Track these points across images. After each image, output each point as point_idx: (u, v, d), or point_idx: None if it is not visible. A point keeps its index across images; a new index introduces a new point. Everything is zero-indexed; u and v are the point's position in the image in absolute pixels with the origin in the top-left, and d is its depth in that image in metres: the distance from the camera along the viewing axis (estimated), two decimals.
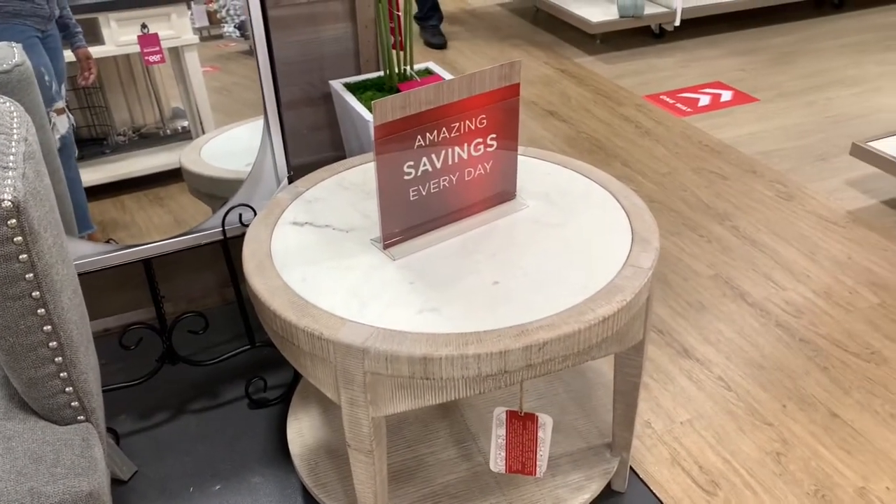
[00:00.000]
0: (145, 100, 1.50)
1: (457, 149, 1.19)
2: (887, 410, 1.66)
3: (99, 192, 1.51)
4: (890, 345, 1.84)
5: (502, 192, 1.29)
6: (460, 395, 1.04)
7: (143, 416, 1.68)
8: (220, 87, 1.54)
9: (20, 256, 0.96)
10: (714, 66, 3.51)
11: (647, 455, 1.57)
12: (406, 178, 1.16)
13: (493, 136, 1.22)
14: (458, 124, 1.17)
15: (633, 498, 1.48)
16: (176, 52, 1.47)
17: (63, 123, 1.41)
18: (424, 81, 1.73)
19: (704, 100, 3.17)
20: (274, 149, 1.56)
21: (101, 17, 1.39)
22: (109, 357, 1.82)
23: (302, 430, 1.49)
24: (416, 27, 3.94)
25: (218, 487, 1.52)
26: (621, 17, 3.66)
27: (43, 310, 1.01)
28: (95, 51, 1.41)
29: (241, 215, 1.57)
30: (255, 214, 1.53)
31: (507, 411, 1.27)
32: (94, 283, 1.80)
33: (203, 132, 1.56)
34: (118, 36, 1.41)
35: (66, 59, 1.39)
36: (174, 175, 1.57)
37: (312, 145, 1.86)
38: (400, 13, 1.65)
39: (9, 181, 0.94)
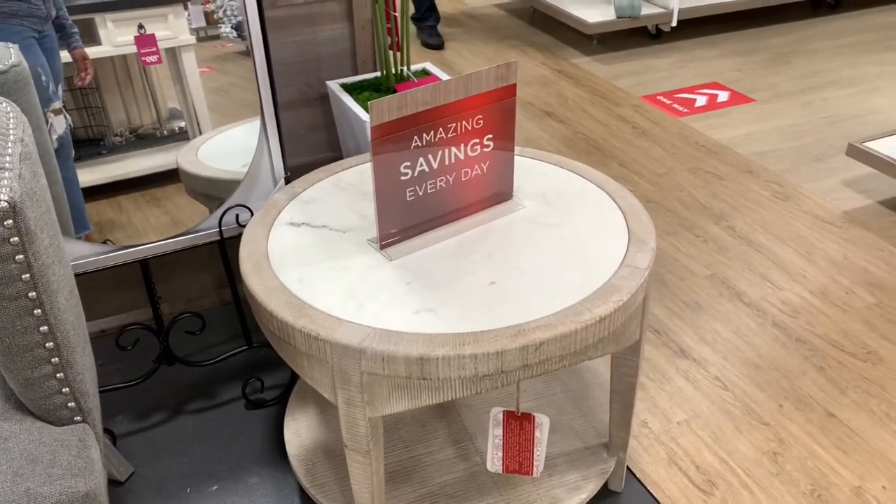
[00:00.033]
0: (142, 100, 1.50)
1: (453, 149, 1.19)
2: (883, 410, 1.67)
3: (96, 192, 1.51)
4: (886, 345, 1.85)
5: (499, 193, 1.30)
6: (457, 395, 1.04)
7: (139, 416, 1.68)
8: (217, 88, 1.54)
9: (16, 257, 0.96)
10: (711, 66, 3.52)
11: (643, 455, 1.58)
12: (403, 178, 1.16)
13: (490, 136, 1.23)
14: (454, 125, 1.17)
15: (629, 498, 1.49)
16: (173, 53, 1.47)
17: (60, 124, 1.41)
18: (421, 82, 1.74)
19: (701, 100, 3.18)
20: (271, 149, 1.56)
21: (98, 18, 1.39)
22: (106, 358, 1.82)
23: (299, 431, 1.49)
24: (413, 28, 3.94)
25: (215, 488, 1.52)
26: (618, 17, 3.67)
27: (39, 310, 1.01)
28: (92, 51, 1.41)
29: (237, 216, 1.57)
30: (252, 215, 1.53)
31: (503, 411, 1.27)
32: (91, 283, 1.80)
33: (200, 133, 1.56)
34: (115, 36, 1.41)
35: (63, 60, 1.39)
36: (171, 176, 1.57)
37: (309, 146, 1.87)
38: (397, 14, 1.66)
39: (5, 182, 0.94)
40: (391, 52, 1.70)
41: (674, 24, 3.74)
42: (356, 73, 1.82)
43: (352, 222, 1.27)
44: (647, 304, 1.21)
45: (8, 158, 0.97)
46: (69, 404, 1.10)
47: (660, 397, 1.71)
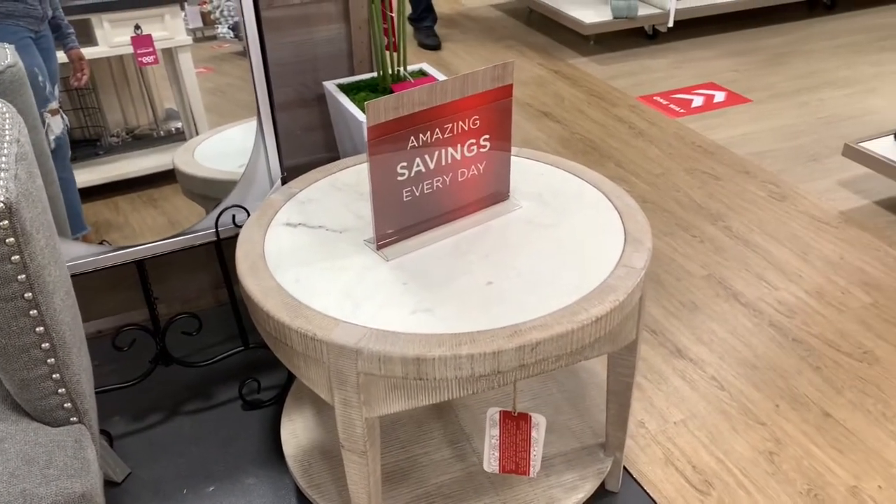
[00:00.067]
0: (139, 101, 1.50)
1: (450, 149, 1.20)
2: (879, 410, 1.67)
3: (92, 193, 1.51)
4: (882, 344, 1.85)
5: (496, 193, 1.30)
6: (454, 395, 1.05)
7: (136, 417, 1.68)
8: (214, 88, 1.54)
9: (12, 258, 0.96)
10: (707, 67, 3.52)
11: (640, 455, 1.58)
12: (399, 178, 1.16)
13: (487, 136, 1.23)
14: (451, 125, 1.18)
15: (626, 498, 1.49)
16: (169, 54, 1.47)
17: (57, 124, 1.40)
18: (418, 82, 1.74)
19: (698, 101, 3.18)
20: (267, 150, 1.56)
21: (95, 19, 1.39)
22: (103, 359, 1.82)
23: (296, 432, 1.49)
24: (410, 28, 3.94)
25: (212, 489, 1.52)
26: (615, 18, 3.67)
27: (35, 311, 1.00)
28: (89, 52, 1.41)
29: (234, 216, 1.57)
30: (249, 215, 1.53)
31: (500, 411, 1.27)
32: (88, 284, 1.79)
33: (197, 133, 1.56)
34: (111, 37, 1.41)
35: (59, 61, 1.39)
36: (168, 176, 1.56)
37: (306, 146, 1.87)
38: (393, 14, 1.66)
39: (1, 182, 0.93)
40: (388, 53, 1.70)
41: (670, 24, 3.74)
42: (353, 74, 1.82)
43: (348, 223, 1.27)
44: (644, 303, 1.21)
45: (3, 159, 0.97)
46: (65, 405, 1.10)
47: (656, 397, 1.72)
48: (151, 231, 1.55)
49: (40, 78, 1.35)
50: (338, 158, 1.86)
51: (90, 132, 1.48)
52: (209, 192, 1.58)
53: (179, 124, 1.55)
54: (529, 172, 1.40)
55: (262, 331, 1.15)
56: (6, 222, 0.93)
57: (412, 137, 1.14)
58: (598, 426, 1.49)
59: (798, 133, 2.89)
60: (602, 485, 1.48)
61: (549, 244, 1.20)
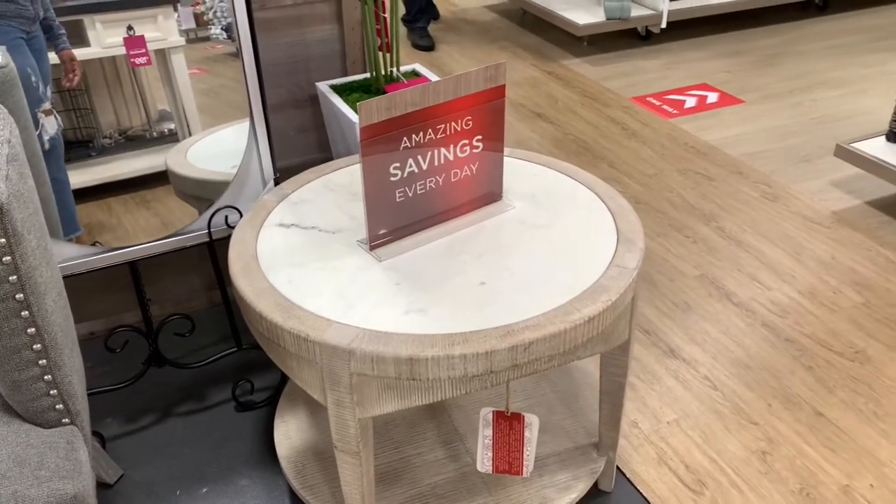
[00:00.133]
0: (131, 102, 1.50)
1: (443, 150, 1.20)
2: (871, 409, 1.68)
3: (85, 194, 1.50)
4: (874, 344, 1.86)
5: (489, 194, 1.30)
6: (447, 395, 1.05)
7: (129, 419, 1.68)
8: (207, 89, 1.54)
9: (3, 258, 0.95)
10: (700, 68, 3.53)
11: (633, 455, 1.58)
12: (392, 179, 1.16)
13: (479, 137, 1.23)
14: (443, 126, 1.18)
15: (620, 497, 1.49)
16: (162, 55, 1.47)
17: (52, 125, 1.40)
18: (411, 83, 1.74)
19: (690, 101, 3.19)
20: (260, 151, 1.56)
21: (87, 19, 1.39)
22: (95, 360, 1.82)
23: (289, 433, 1.49)
24: (403, 30, 3.94)
25: (205, 490, 1.51)
26: (608, 19, 3.68)
27: (27, 312, 1.00)
28: (81, 53, 1.40)
29: (227, 217, 1.56)
30: (242, 216, 1.53)
31: (493, 411, 1.27)
32: (80, 285, 1.79)
33: (189, 134, 1.55)
34: (104, 38, 1.41)
35: (51, 62, 1.38)
36: (161, 177, 1.56)
37: (299, 147, 1.86)
38: (386, 15, 1.66)
39: None
40: (381, 54, 1.70)
41: (663, 25, 3.75)
42: (346, 75, 1.82)
43: (341, 223, 1.27)
44: (636, 303, 1.22)
45: None
46: (57, 406, 1.10)
47: (650, 397, 1.72)
48: (144, 232, 1.55)
49: (33, 78, 1.35)
50: (331, 159, 1.86)
51: (83, 133, 1.48)
52: (202, 193, 1.58)
53: (172, 125, 1.54)
54: (522, 173, 1.41)
55: (255, 332, 1.15)
56: None
57: (405, 138, 1.14)
58: (592, 426, 1.49)
59: (790, 134, 2.90)
60: (595, 484, 1.49)
61: (541, 244, 1.20)
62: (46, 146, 1.40)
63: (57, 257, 1.43)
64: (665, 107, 3.15)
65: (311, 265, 1.17)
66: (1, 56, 1.25)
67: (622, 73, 3.49)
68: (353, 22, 1.76)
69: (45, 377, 1.06)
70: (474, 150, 1.24)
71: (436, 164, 1.20)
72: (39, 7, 1.33)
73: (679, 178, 2.61)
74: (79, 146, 1.48)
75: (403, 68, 1.81)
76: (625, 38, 3.90)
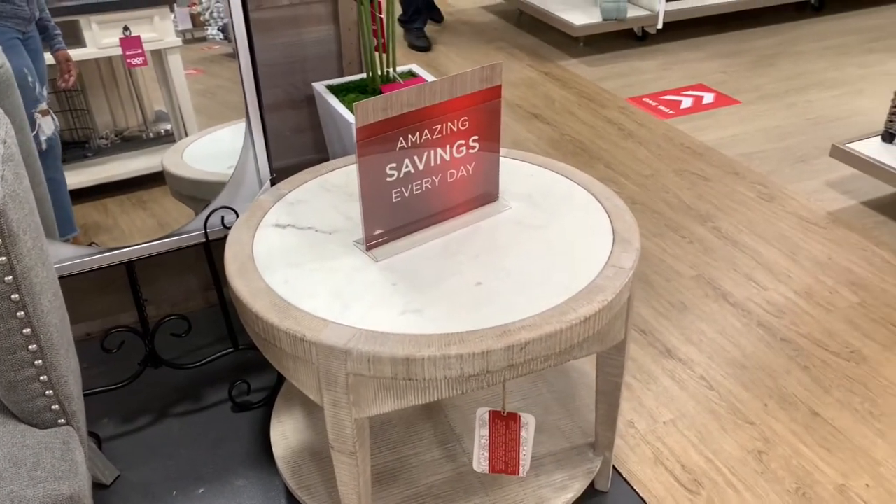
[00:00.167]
0: (128, 103, 1.50)
1: (439, 150, 1.20)
2: (866, 408, 1.68)
3: (81, 195, 1.50)
4: (869, 343, 1.86)
5: (485, 194, 1.30)
6: (443, 395, 1.05)
7: (125, 420, 1.67)
8: (204, 90, 1.53)
9: None
10: (696, 68, 3.54)
11: (630, 454, 1.58)
12: (388, 179, 1.16)
13: (476, 137, 1.23)
14: (440, 126, 1.18)
15: (616, 497, 1.49)
16: (159, 55, 1.47)
17: (48, 125, 1.40)
18: (407, 83, 1.74)
19: (687, 102, 3.20)
20: (256, 151, 1.56)
21: (83, 20, 1.39)
22: (91, 361, 1.81)
23: (285, 433, 1.49)
24: (400, 30, 3.94)
25: (201, 491, 1.51)
26: (604, 20, 3.68)
27: (22, 313, 1.00)
28: (77, 53, 1.40)
29: (223, 218, 1.56)
30: (238, 217, 1.53)
31: (489, 411, 1.27)
32: (77, 286, 1.79)
33: (186, 135, 1.55)
34: (100, 38, 1.41)
35: (47, 62, 1.38)
36: (157, 178, 1.56)
37: (295, 147, 1.86)
38: (382, 15, 1.66)
39: None
40: (377, 54, 1.70)
41: (659, 26, 3.76)
42: (342, 75, 1.82)
43: (338, 224, 1.27)
44: (632, 303, 1.22)
45: None
46: (53, 407, 1.10)
47: (646, 397, 1.72)
48: (140, 233, 1.55)
49: (30, 79, 1.35)
50: (327, 160, 1.86)
51: (79, 134, 1.48)
52: (198, 194, 1.58)
53: (169, 126, 1.54)
54: (519, 173, 1.41)
55: (252, 332, 1.15)
56: None
57: (401, 138, 1.14)
58: (588, 426, 1.49)
59: (786, 134, 2.91)
60: (592, 484, 1.49)
61: (538, 245, 1.20)
62: (44, 146, 1.40)
63: (53, 258, 1.42)
64: (661, 107, 3.15)
65: (308, 266, 1.17)
66: None
67: (618, 74, 3.50)
68: (349, 22, 1.76)
69: (41, 378, 1.06)
70: (470, 151, 1.24)
71: (432, 164, 1.20)
72: (35, 7, 1.33)
73: (675, 178, 2.61)
74: (75, 147, 1.48)
75: (400, 69, 1.81)
76: (621, 38, 3.91)
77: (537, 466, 1.41)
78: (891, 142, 2.40)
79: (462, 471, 1.41)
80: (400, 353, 1.00)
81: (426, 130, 1.17)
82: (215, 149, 1.57)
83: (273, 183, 1.59)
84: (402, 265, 1.17)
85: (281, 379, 1.71)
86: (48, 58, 1.38)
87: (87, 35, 1.40)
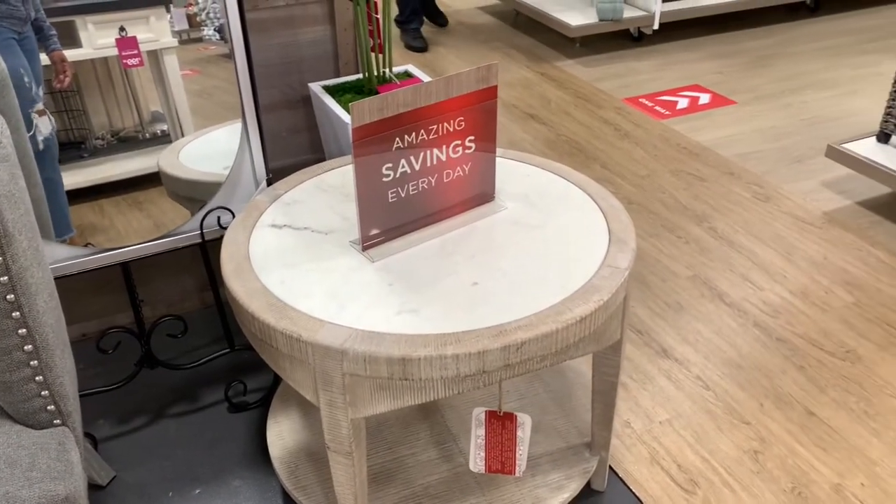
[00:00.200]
0: (124, 103, 1.50)
1: (435, 151, 1.20)
2: (861, 408, 1.69)
3: (77, 196, 1.50)
4: (865, 343, 1.87)
5: (481, 194, 1.30)
6: (439, 395, 1.05)
7: (121, 420, 1.67)
8: (200, 91, 1.53)
9: None
10: (692, 69, 3.54)
11: (626, 454, 1.58)
12: (385, 179, 1.17)
13: (472, 137, 1.23)
14: (436, 126, 1.18)
15: (612, 497, 1.49)
16: (155, 56, 1.47)
17: (45, 125, 1.40)
18: (403, 84, 1.74)
19: (683, 103, 3.20)
20: (252, 151, 1.56)
21: (79, 20, 1.39)
22: (87, 361, 1.81)
23: (282, 433, 1.49)
24: (397, 31, 3.94)
25: (198, 492, 1.51)
26: (600, 20, 3.69)
27: (18, 313, 1.00)
28: (73, 54, 1.40)
29: (219, 218, 1.56)
30: (234, 217, 1.53)
31: (486, 411, 1.27)
32: (72, 287, 1.78)
33: (182, 135, 1.55)
34: (96, 39, 1.41)
35: (42, 63, 1.38)
36: (153, 179, 1.56)
37: (291, 148, 1.86)
38: (379, 16, 1.66)
39: None
40: (373, 55, 1.70)
41: (655, 27, 3.76)
42: (338, 76, 1.82)
43: (334, 224, 1.27)
44: (628, 303, 1.22)
45: None
46: (48, 407, 1.10)
47: (642, 397, 1.72)
48: (136, 233, 1.55)
49: (26, 79, 1.35)
50: (323, 160, 1.86)
51: (75, 135, 1.47)
52: (194, 194, 1.58)
53: (165, 126, 1.54)
54: (515, 174, 1.41)
55: (248, 332, 1.15)
56: None
57: (397, 138, 1.15)
58: (584, 426, 1.50)
59: (782, 134, 2.91)
60: (588, 484, 1.49)
61: (534, 245, 1.21)
62: (41, 147, 1.40)
63: (49, 258, 1.42)
64: (657, 108, 3.16)
65: (304, 266, 1.17)
66: None
67: (615, 75, 3.50)
68: (345, 23, 1.76)
69: (37, 378, 1.06)
70: (467, 151, 1.24)
71: (428, 164, 1.20)
72: (31, 7, 1.33)
73: (671, 178, 2.61)
74: (71, 147, 1.48)
75: (396, 69, 1.81)
76: (617, 39, 3.91)
77: (533, 466, 1.41)
78: (886, 142, 2.41)
79: (458, 471, 1.41)
80: (396, 353, 1.00)
81: (422, 131, 1.17)
82: (211, 149, 1.56)
83: (269, 183, 1.59)
84: (399, 265, 1.17)
85: (277, 379, 1.71)
86: (43, 58, 1.38)
87: (83, 35, 1.40)
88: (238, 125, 1.54)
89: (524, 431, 1.27)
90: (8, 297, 0.98)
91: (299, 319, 1.05)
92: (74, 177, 1.49)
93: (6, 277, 0.97)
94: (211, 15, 1.48)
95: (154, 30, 1.44)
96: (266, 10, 1.69)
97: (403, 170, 1.18)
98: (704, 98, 3.24)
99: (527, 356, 1.04)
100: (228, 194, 1.57)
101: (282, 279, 1.14)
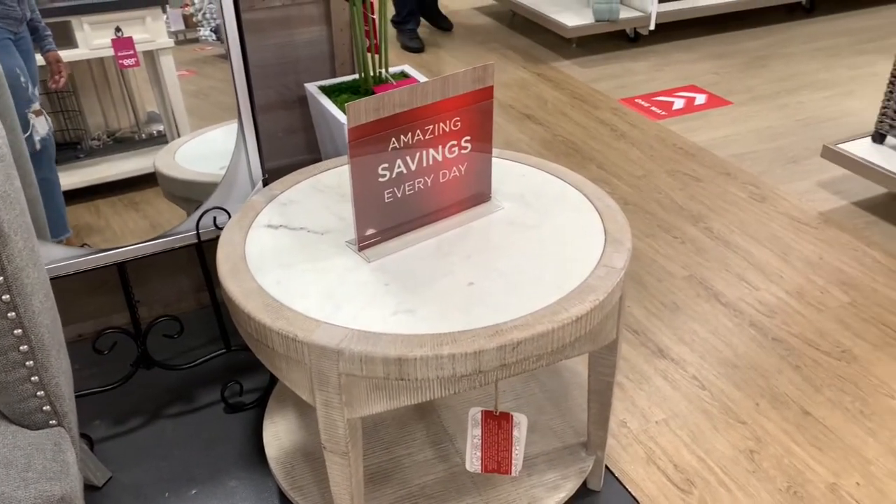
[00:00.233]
0: (120, 104, 1.49)
1: (431, 151, 1.20)
2: (857, 407, 1.69)
3: (73, 196, 1.50)
4: (860, 343, 1.87)
5: (477, 194, 1.30)
6: (435, 395, 1.05)
7: (117, 421, 1.67)
8: (197, 91, 1.53)
9: None
10: (688, 69, 3.55)
11: (622, 454, 1.59)
12: (381, 180, 1.17)
13: (468, 138, 1.23)
14: (432, 126, 1.18)
15: (608, 496, 1.50)
16: (151, 56, 1.47)
17: (42, 125, 1.40)
18: (399, 84, 1.74)
19: (679, 103, 3.21)
20: (248, 152, 1.56)
21: (75, 21, 1.39)
22: (83, 362, 1.81)
23: (278, 434, 1.49)
24: (393, 31, 3.94)
25: (194, 492, 1.51)
26: (597, 21, 3.69)
27: (13, 313, 1.00)
28: (69, 54, 1.40)
29: (215, 218, 1.56)
30: (230, 217, 1.53)
31: (482, 411, 1.28)
32: (68, 287, 1.78)
33: (178, 136, 1.55)
34: (92, 39, 1.40)
35: (37, 63, 1.38)
36: (149, 179, 1.56)
37: (287, 148, 1.86)
38: (374, 16, 1.66)
39: None
40: (369, 55, 1.70)
41: (652, 27, 3.77)
42: (334, 76, 1.82)
43: (330, 224, 1.27)
44: (624, 303, 1.22)
45: None
46: (44, 408, 1.10)
47: (638, 397, 1.73)
48: (133, 234, 1.54)
49: (22, 79, 1.34)
50: (319, 160, 1.86)
51: (71, 135, 1.47)
52: (190, 195, 1.58)
53: (161, 127, 1.54)
54: (511, 174, 1.41)
55: (244, 333, 1.15)
56: None
57: (393, 139, 1.15)
58: (581, 425, 1.50)
59: (778, 135, 2.92)
60: (584, 484, 1.49)
61: (530, 245, 1.21)
62: (38, 147, 1.40)
63: (45, 259, 1.42)
64: (653, 108, 3.16)
65: (300, 266, 1.17)
66: None
67: (611, 75, 3.51)
68: (341, 23, 1.76)
69: (32, 378, 1.06)
70: (463, 151, 1.24)
71: (424, 164, 1.20)
72: (27, 8, 1.33)
73: (667, 179, 2.62)
74: (67, 148, 1.48)
75: (392, 70, 1.81)
76: (613, 39, 3.92)
77: (530, 466, 1.41)
78: (881, 142, 2.41)
79: (455, 471, 1.41)
80: (392, 353, 1.00)
81: (418, 131, 1.17)
82: (207, 150, 1.56)
83: (265, 184, 1.59)
84: (395, 265, 1.17)
85: (273, 380, 1.71)
86: (39, 59, 1.38)
87: (78, 36, 1.40)
88: (234, 125, 1.54)
89: (520, 431, 1.27)
90: (3, 297, 0.98)
91: (295, 319, 1.05)
92: (70, 177, 1.49)
93: (1, 278, 0.97)
94: (207, 15, 1.48)
95: (150, 30, 1.44)
96: (262, 10, 1.69)
97: (399, 170, 1.18)
98: (700, 98, 3.24)
99: (523, 356, 1.04)
100: (224, 195, 1.57)
101: (278, 279, 1.14)
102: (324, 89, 1.73)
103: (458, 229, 1.25)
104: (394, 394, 1.05)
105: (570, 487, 1.38)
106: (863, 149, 2.39)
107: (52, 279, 1.46)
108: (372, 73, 1.72)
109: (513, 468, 1.30)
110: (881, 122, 2.39)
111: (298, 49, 1.76)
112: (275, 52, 1.74)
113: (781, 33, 3.97)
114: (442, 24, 4.10)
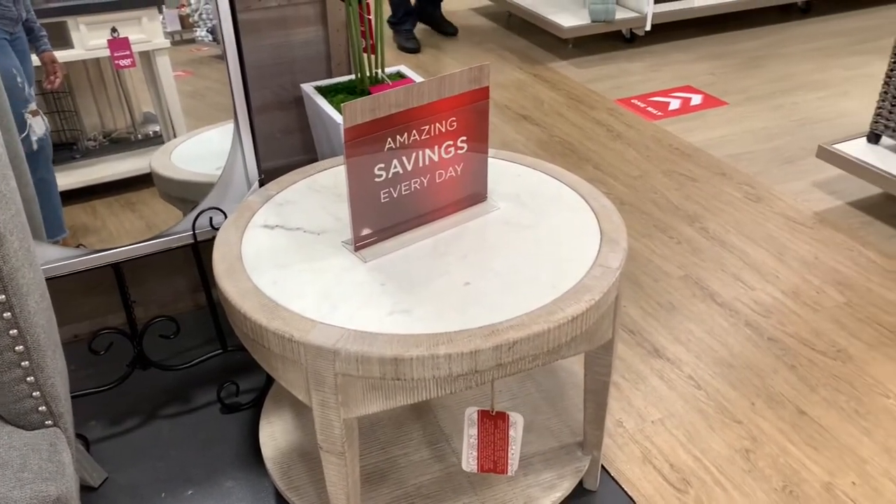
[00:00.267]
0: (116, 104, 1.49)
1: (427, 151, 1.20)
2: (852, 407, 1.70)
3: (69, 197, 1.50)
4: (855, 342, 1.88)
5: (473, 194, 1.30)
6: (432, 395, 1.05)
7: (113, 421, 1.67)
8: (193, 92, 1.53)
9: None
10: (684, 70, 3.56)
11: (618, 454, 1.59)
12: (377, 180, 1.17)
13: (464, 138, 1.23)
14: (428, 127, 1.18)
15: (604, 496, 1.50)
16: (147, 57, 1.47)
17: (39, 125, 1.39)
18: (396, 85, 1.74)
19: (675, 104, 3.21)
20: (245, 152, 1.56)
21: (70, 21, 1.38)
22: (79, 363, 1.81)
23: (274, 434, 1.49)
24: (390, 32, 3.94)
25: (190, 493, 1.51)
26: (593, 21, 3.70)
27: (9, 313, 1.00)
28: (64, 55, 1.40)
29: (211, 219, 1.56)
30: (226, 218, 1.53)
31: (478, 411, 1.28)
32: (64, 288, 1.78)
33: (174, 136, 1.55)
34: (88, 40, 1.40)
35: (33, 63, 1.38)
36: (145, 180, 1.56)
37: (284, 148, 1.86)
38: (371, 17, 1.66)
39: None
40: (365, 55, 1.70)
41: (648, 28, 3.77)
42: (331, 76, 1.82)
43: (326, 224, 1.27)
44: (619, 303, 1.23)
45: None
46: (40, 408, 1.09)
47: (634, 397, 1.73)
48: (129, 234, 1.54)
49: (18, 79, 1.34)
50: (316, 161, 1.86)
51: (67, 136, 1.47)
52: (187, 195, 1.58)
53: (157, 127, 1.54)
54: (507, 174, 1.41)
55: (240, 333, 1.15)
56: None
57: (389, 139, 1.15)
58: (577, 425, 1.50)
59: (773, 135, 2.92)
60: (580, 483, 1.49)
61: (526, 245, 1.21)
62: (34, 147, 1.40)
63: (40, 259, 1.42)
64: (649, 109, 3.17)
65: (296, 266, 1.17)
66: None
67: (607, 76, 3.51)
68: (337, 24, 1.76)
69: (28, 379, 1.06)
70: (459, 151, 1.24)
71: (420, 164, 1.21)
72: (22, 8, 1.33)
73: (663, 179, 2.62)
74: (63, 148, 1.47)
75: (388, 70, 1.81)
76: (609, 40, 3.92)
77: (526, 465, 1.42)
78: (876, 143, 2.42)
79: (451, 470, 1.41)
80: (388, 353, 1.00)
81: (414, 131, 1.17)
82: (203, 150, 1.56)
83: (261, 184, 1.59)
84: (391, 266, 1.17)
85: (270, 380, 1.71)
86: (34, 59, 1.37)
87: (74, 36, 1.40)
88: (230, 126, 1.54)
89: (516, 431, 1.27)
90: None
91: (291, 319, 1.05)
92: (66, 178, 1.48)
93: None
94: (203, 16, 1.48)
95: (146, 31, 1.44)
96: (258, 11, 1.69)
97: (395, 170, 1.18)
98: (696, 99, 3.25)
99: (519, 356, 1.04)
100: (221, 195, 1.57)
101: (274, 279, 1.14)
102: (320, 90, 1.73)
103: (455, 229, 1.26)
104: (390, 394, 1.05)
105: (566, 487, 1.38)
106: (858, 149, 2.40)
107: (47, 279, 1.46)
108: (368, 74, 1.73)
109: (509, 468, 1.30)
110: (876, 122, 2.40)
111: (295, 49, 1.76)
112: (271, 53, 1.74)
113: (777, 34, 3.98)
114: (447, 29, 4.07)
